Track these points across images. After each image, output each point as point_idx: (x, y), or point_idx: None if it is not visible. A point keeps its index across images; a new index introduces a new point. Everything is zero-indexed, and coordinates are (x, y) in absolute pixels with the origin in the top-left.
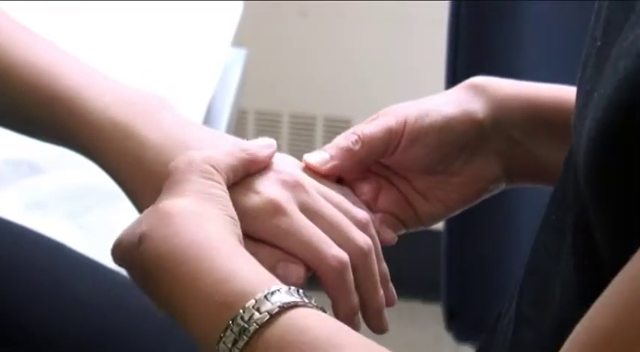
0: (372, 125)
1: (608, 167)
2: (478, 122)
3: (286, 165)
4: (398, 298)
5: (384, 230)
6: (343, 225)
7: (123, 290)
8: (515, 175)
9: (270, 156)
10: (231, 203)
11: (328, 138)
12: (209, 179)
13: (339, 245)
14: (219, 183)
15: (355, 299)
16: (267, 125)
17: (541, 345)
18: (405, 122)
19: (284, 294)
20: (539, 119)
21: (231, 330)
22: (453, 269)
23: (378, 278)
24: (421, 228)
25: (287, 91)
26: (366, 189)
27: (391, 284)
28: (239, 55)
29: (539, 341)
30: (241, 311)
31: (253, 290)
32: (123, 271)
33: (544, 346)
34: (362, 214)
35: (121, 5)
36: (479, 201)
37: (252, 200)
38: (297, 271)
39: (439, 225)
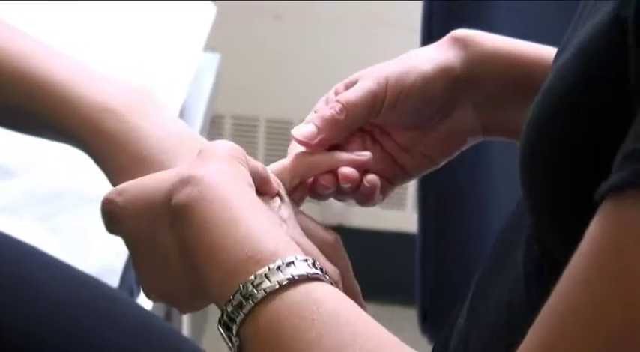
0: (354, 91)
1: (536, 154)
2: (456, 77)
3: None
4: (377, 302)
5: (372, 190)
6: (314, 256)
7: (95, 294)
8: (492, 129)
9: (274, 187)
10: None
11: None
12: (240, 162)
13: None
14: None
15: (355, 280)
16: (243, 130)
17: (488, 344)
18: (387, 84)
19: (300, 266)
20: (517, 76)
21: (241, 293)
22: (426, 272)
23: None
24: (408, 181)
25: (263, 96)
26: (352, 149)
27: (361, 300)
28: (212, 60)
29: (488, 340)
30: (252, 277)
31: (271, 257)
32: (94, 274)
33: (492, 345)
34: (329, 236)
35: (90, 8)
36: (459, 151)
37: None
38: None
39: (415, 229)
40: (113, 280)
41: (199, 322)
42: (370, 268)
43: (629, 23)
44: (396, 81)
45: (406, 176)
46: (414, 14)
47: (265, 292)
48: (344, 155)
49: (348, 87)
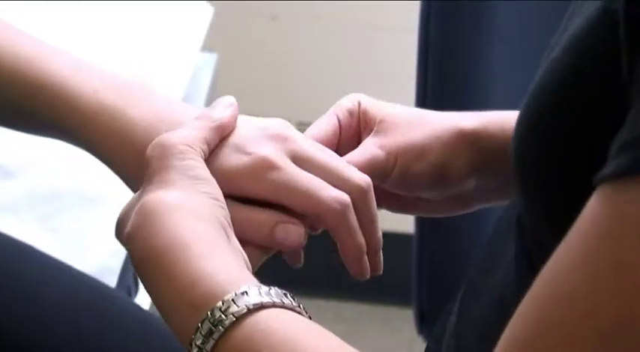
0: (360, 156)
1: (528, 150)
2: (465, 174)
3: (270, 120)
4: (373, 303)
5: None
6: (339, 167)
7: (94, 294)
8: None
9: (235, 115)
10: (214, 181)
11: None
12: (188, 159)
13: (337, 186)
14: (199, 161)
15: (361, 238)
16: None
17: (481, 339)
18: (396, 160)
19: (253, 295)
20: None
21: (200, 333)
22: (423, 272)
23: (377, 216)
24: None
25: (259, 96)
26: None
27: (380, 254)
28: (210, 60)
29: (480, 335)
30: (209, 313)
31: (222, 291)
32: (92, 274)
33: (484, 340)
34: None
35: (87, 9)
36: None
37: (243, 161)
38: (298, 231)
39: (412, 229)
40: (111, 280)
41: None
42: None
43: (619, 15)
44: (406, 166)
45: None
46: (411, 15)
47: (223, 327)
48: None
49: (351, 112)
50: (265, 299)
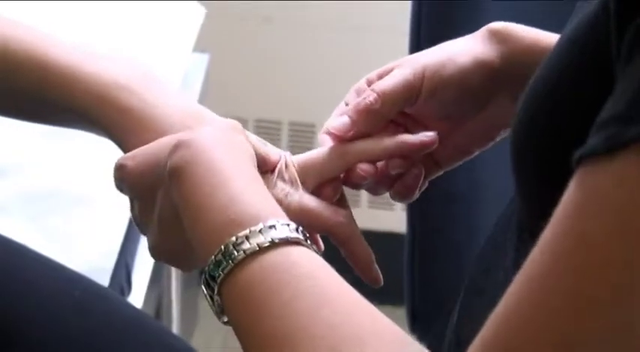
0: (390, 80)
1: (526, 144)
2: (495, 71)
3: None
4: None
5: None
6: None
7: (86, 293)
8: None
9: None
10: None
11: (294, 142)
12: (238, 131)
13: None
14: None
15: (367, 246)
16: None
17: None
18: (423, 75)
19: (280, 230)
20: None
21: (222, 254)
22: (415, 271)
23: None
24: (438, 173)
25: (252, 97)
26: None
27: (374, 266)
28: (202, 60)
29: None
30: (234, 238)
31: (253, 220)
32: (85, 272)
33: None
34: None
35: (79, 9)
36: (494, 142)
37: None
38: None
39: (404, 229)
40: (104, 279)
41: (190, 320)
42: None
43: None
44: (434, 72)
45: (437, 168)
46: (402, 16)
47: (245, 253)
48: (408, 137)
49: (381, 76)
50: (292, 235)
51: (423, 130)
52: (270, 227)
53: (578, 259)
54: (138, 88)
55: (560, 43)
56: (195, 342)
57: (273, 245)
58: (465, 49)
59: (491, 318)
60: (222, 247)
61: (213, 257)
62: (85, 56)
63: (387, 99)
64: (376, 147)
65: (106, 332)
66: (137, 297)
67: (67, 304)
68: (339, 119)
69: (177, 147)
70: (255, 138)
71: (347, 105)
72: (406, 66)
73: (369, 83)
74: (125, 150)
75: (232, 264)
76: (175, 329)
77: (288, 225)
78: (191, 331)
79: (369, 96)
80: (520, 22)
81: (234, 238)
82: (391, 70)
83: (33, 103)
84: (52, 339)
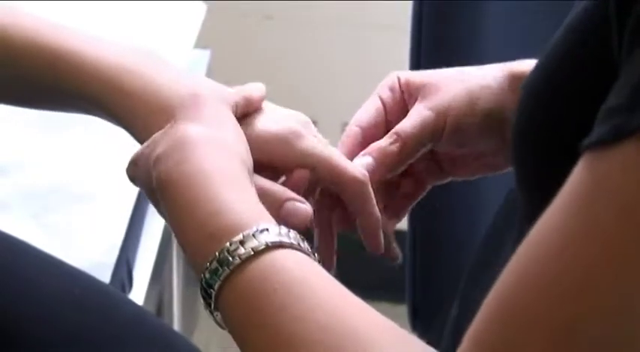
0: (411, 123)
1: (526, 134)
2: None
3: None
4: (366, 299)
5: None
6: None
7: (87, 290)
8: None
9: (262, 96)
10: (240, 129)
11: None
12: (226, 105)
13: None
14: (229, 112)
15: (378, 212)
16: None
17: None
18: (446, 120)
19: (273, 233)
20: None
21: (217, 261)
22: (416, 268)
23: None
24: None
25: None
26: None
27: (379, 234)
28: (203, 57)
29: None
30: (228, 244)
31: (244, 224)
32: (86, 269)
33: None
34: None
35: (80, 6)
36: (504, 170)
37: (275, 127)
38: (305, 211)
39: (405, 226)
40: (105, 276)
41: (191, 317)
42: (360, 265)
43: None
44: (456, 120)
45: (444, 178)
46: (404, 14)
47: (240, 259)
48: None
49: (392, 89)
50: (285, 239)
51: (437, 153)
52: (262, 231)
53: (586, 242)
54: (144, 70)
55: (559, 31)
56: (195, 339)
57: (266, 249)
58: (489, 93)
59: (486, 303)
60: (217, 254)
61: (208, 264)
62: (89, 40)
63: (409, 142)
64: None
65: (107, 329)
66: (138, 294)
67: (67, 301)
68: (363, 159)
69: (158, 159)
70: (239, 90)
71: (380, 98)
72: (428, 104)
73: (399, 82)
74: (133, 134)
75: (229, 271)
76: (176, 326)
77: (280, 229)
78: (192, 328)
79: (392, 140)
80: (520, 22)
81: (228, 244)
82: (404, 82)
83: (36, 90)
84: (52, 336)
